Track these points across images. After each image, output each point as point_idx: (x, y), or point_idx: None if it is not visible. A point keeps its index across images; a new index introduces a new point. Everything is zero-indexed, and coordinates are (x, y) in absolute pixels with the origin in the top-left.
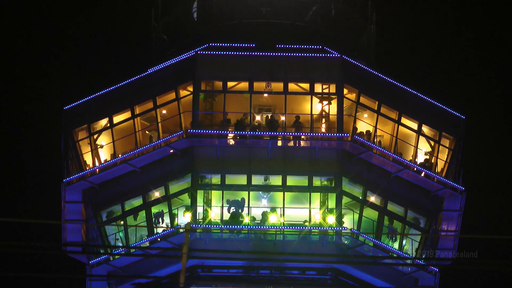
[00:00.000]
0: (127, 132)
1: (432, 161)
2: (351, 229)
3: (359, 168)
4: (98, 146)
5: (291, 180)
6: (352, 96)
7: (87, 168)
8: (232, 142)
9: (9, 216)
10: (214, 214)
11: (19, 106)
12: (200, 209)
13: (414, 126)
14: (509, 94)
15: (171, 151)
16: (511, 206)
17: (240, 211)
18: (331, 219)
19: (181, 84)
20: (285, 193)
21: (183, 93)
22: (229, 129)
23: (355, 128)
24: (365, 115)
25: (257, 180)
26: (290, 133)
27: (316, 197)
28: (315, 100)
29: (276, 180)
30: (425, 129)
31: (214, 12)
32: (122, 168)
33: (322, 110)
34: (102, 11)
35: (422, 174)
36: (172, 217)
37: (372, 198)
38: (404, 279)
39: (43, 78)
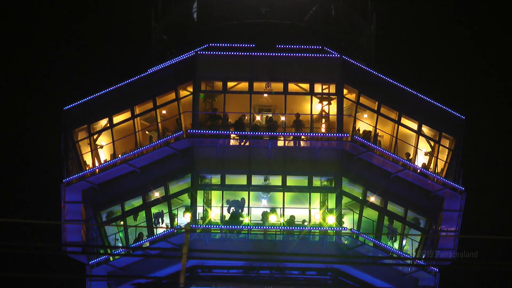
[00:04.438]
0: (127, 132)
1: (432, 162)
2: (351, 229)
3: (359, 168)
4: (98, 146)
5: (291, 180)
6: (352, 96)
7: (87, 168)
8: (234, 142)
9: (9, 216)
10: (214, 214)
11: (19, 106)
12: (200, 209)
13: (414, 126)
14: (509, 94)
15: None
16: (511, 206)
17: (240, 211)
18: (331, 219)
19: (181, 84)
20: (285, 193)
21: (183, 93)
22: (231, 129)
23: (354, 128)
24: (365, 115)
25: (257, 180)
26: (290, 133)
27: (316, 197)
28: (315, 100)
29: (276, 180)
30: (425, 129)
31: (214, 12)
32: (122, 168)
33: (322, 110)
34: (102, 11)
35: (418, 171)
36: (172, 217)
37: (372, 198)
38: (404, 279)
39: (43, 78)
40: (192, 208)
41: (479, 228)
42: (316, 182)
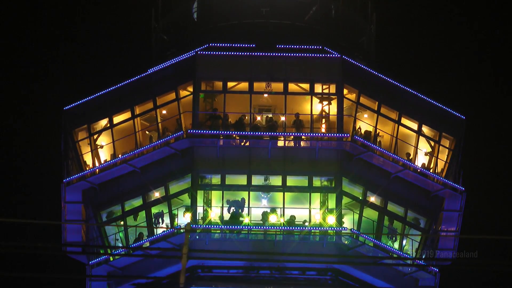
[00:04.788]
0: (127, 132)
1: (432, 162)
2: (351, 229)
3: (359, 168)
4: (98, 146)
5: (291, 180)
6: (352, 96)
7: (87, 168)
8: (237, 142)
9: (9, 216)
10: (214, 214)
11: (19, 106)
12: (200, 210)
13: (414, 126)
14: (509, 94)
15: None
16: (511, 206)
17: (240, 211)
18: (331, 219)
19: (181, 84)
20: (285, 193)
21: (183, 93)
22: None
23: (354, 128)
24: (365, 115)
25: (257, 180)
26: (290, 133)
27: (316, 198)
28: (315, 100)
29: (276, 180)
30: (425, 129)
31: (214, 12)
32: (122, 168)
33: (322, 110)
34: (102, 11)
35: (418, 171)
36: (172, 217)
37: (372, 198)
38: (404, 279)
39: (43, 78)
40: (192, 208)
41: (479, 228)
42: (316, 182)
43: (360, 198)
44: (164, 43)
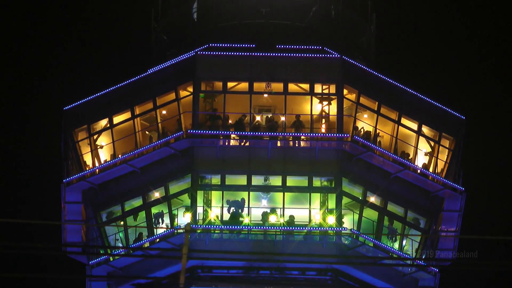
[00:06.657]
0: (127, 133)
1: (432, 162)
2: (351, 230)
3: (359, 169)
4: (98, 147)
5: (291, 181)
6: (352, 96)
7: (87, 169)
8: (233, 142)
9: (9, 216)
10: (214, 214)
11: (19, 106)
12: (200, 210)
13: (414, 126)
14: (509, 94)
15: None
16: (511, 206)
17: (240, 211)
18: (331, 220)
19: (181, 85)
20: (285, 193)
21: (183, 93)
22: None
23: (357, 128)
24: (365, 116)
25: (257, 180)
26: (290, 133)
27: (316, 198)
28: (315, 100)
29: (276, 181)
30: (425, 129)
31: (214, 12)
32: (122, 168)
33: (322, 111)
34: (102, 11)
35: (418, 171)
36: (172, 217)
37: (372, 199)
38: (404, 279)
39: (43, 78)
40: (192, 208)
41: (479, 228)
42: (316, 182)
43: (360, 198)
44: (164, 43)
